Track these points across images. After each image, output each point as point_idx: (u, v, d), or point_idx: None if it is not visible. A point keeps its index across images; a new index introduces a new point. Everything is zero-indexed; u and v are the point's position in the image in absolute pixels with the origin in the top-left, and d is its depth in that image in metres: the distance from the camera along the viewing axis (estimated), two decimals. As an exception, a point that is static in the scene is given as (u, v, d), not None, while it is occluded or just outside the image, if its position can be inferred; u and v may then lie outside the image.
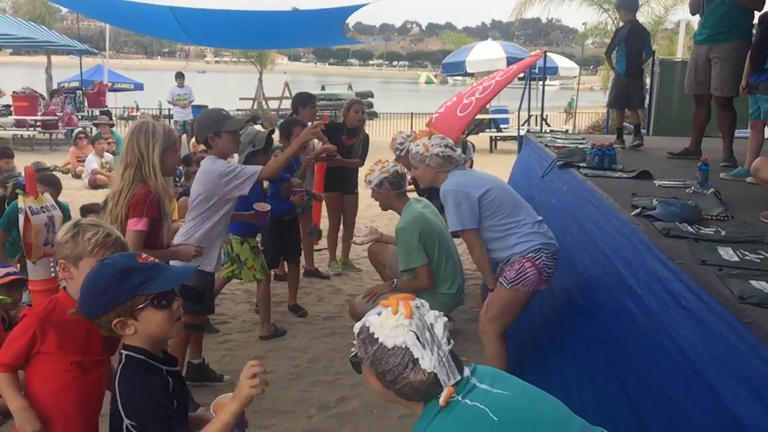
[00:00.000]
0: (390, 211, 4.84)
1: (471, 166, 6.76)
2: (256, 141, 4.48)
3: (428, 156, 3.78)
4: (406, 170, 4.72)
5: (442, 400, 1.80)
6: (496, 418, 1.75)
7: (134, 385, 1.90)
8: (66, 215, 4.77)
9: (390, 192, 4.57)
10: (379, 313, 1.87)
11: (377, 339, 1.84)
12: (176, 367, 2.06)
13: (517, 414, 1.79)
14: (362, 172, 5.29)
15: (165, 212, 3.18)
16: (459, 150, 3.98)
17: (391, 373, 1.82)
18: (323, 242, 6.69)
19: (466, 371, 1.88)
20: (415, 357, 1.80)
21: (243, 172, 3.77)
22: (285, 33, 13.43)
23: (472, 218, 3.66)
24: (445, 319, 1.91)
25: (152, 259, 2.00)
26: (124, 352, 1.95)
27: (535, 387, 1.94)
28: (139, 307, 1.90)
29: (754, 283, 2.58)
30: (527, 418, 1.79)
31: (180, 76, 15.76)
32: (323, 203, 6.50)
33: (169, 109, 18.57)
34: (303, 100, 6.21)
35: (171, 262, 3.10)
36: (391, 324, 1.83)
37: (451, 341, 1.88)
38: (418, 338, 1.81)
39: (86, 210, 5.98)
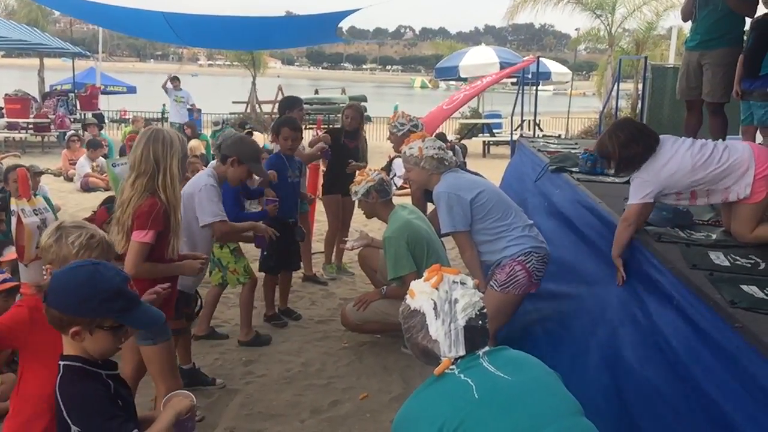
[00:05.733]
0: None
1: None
2: None
3: (422, 159, 3.82)
4: (397, 173, 4.71)
5: (437, 369, 1.91)
6: (477, 396, 1.79)
7: (75, 391, 1.89)
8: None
9: (377, 200, 4.54)
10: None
11: (407, 299, 2.02)
12: (116, 371, 2.05)
13: (501, 398, 1.80)
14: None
15: (173, 225, 2.99)
16: (450, 152, 4.00)
17: (408, 331, 2.00)
18: (319, 246, 6.69)
19: (482, 350, 1.93)
20: (426, 323, 1.94)
21: (210, 208, 3.74)
22: (277, 35, 13.53)
23: (464, 221, 3.69)
24: (477, 299, 1.97)
25: (135, 288, 1.99)
26: (61, 363, 1.94)
27: (554, 382, 1.93)
28: (103, 327, 1.90)
29: (744, 287, 2.60)
30: (508, 404, 1.78)
31: (176, 80, 16.46)
32: (322, 205, 6.50)
33: (165, 112, 18.87)
34: (290, 104, 6.20)
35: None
36: (418, 288, 2.00)
37: (478, 321, 1.94)
38: (435, 307, 1.94)
39: (109, 201, 6.02)
